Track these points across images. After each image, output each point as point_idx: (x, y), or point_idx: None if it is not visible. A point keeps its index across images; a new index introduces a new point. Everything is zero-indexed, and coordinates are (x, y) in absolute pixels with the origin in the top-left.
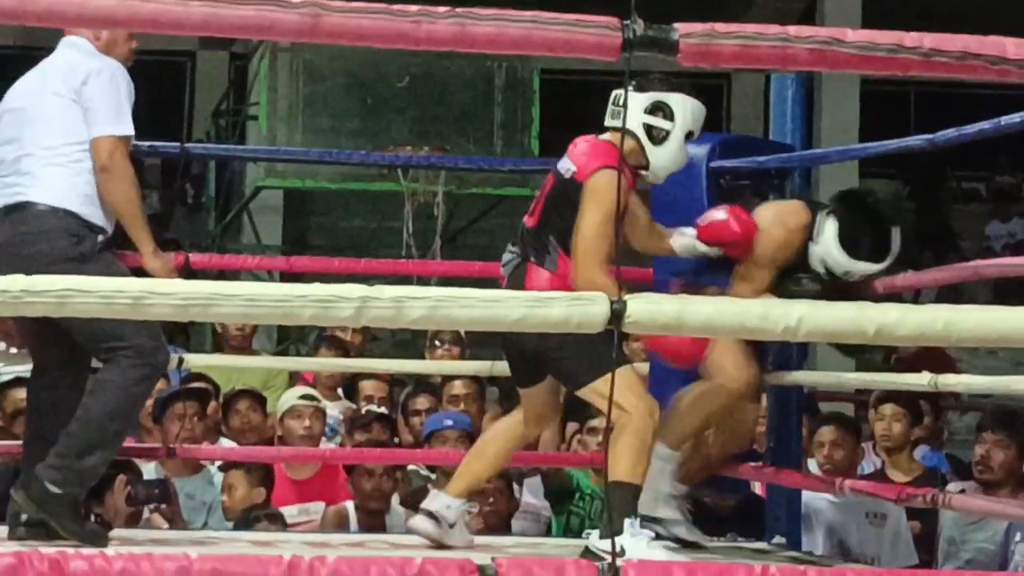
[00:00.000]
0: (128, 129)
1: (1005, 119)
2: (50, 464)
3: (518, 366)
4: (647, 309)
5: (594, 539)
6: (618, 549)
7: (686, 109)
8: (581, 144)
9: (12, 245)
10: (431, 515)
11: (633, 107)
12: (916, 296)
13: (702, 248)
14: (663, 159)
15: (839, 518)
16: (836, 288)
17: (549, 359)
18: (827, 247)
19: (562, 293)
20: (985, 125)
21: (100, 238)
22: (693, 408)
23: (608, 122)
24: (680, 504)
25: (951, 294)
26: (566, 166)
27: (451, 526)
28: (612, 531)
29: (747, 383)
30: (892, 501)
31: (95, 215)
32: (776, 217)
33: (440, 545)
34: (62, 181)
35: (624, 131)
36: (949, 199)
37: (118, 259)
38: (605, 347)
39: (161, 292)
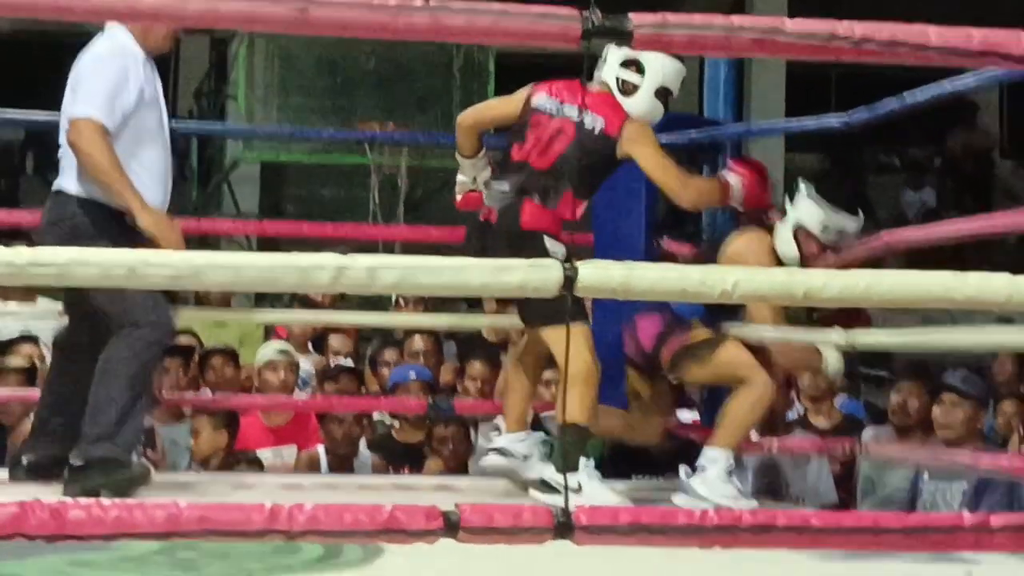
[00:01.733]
0: (105, 119)
1: (908, 95)
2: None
3: (519, 308)
4: (596, 275)
5: (549, 471)
6: (574, 485)
7: (659, 66)
8: (588, 99)
9: (42, 230)
10: (501, 451)
11: (611, 61)
12: None
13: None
14: (633, 110)
15: (767, 459)
16: None
17: (525, 299)
18: (805, 206)
19: (519, 261)
20: (893, 104)
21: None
22: (747, 411)
23: (596, 75)
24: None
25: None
26: (589, 120)
27: (525, 458)
28: (565, 468)
29: (772, 385)
30: (816, 454)
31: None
32: (749, 248)
33: (512, 478)
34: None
35: (602, 83)
36: (866, 171)
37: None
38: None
39: (156, 263)
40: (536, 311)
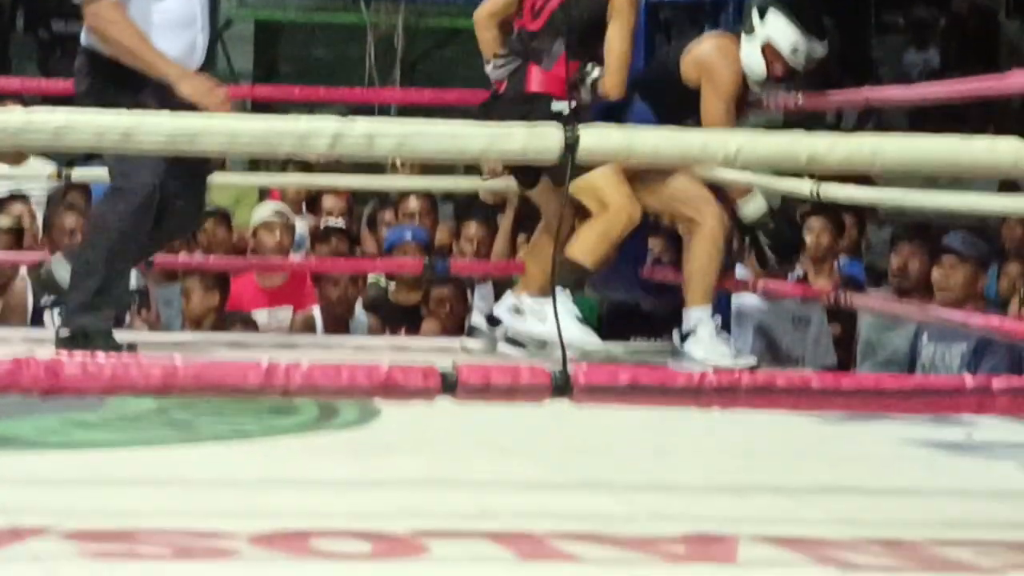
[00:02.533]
0: None
1: None
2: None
3: (518, 171)
4: (598, 140)
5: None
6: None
7: None
8: None
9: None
10: (514, 341)
11: None
12: (837, 124)
13: None
14: None
15: (768, 321)
16: None
17: None
18: (778, 25)
19: (520, 125)
20: None
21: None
22: (705, 261)
23: None
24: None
25: (870, 124)
26: None
27: (541, 320)
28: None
29: (723, 217)
30: (801, 299)
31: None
32: (720, 52)
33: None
34: None
35: None
36: (870, 31)
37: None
38: None
39: (150, 127)
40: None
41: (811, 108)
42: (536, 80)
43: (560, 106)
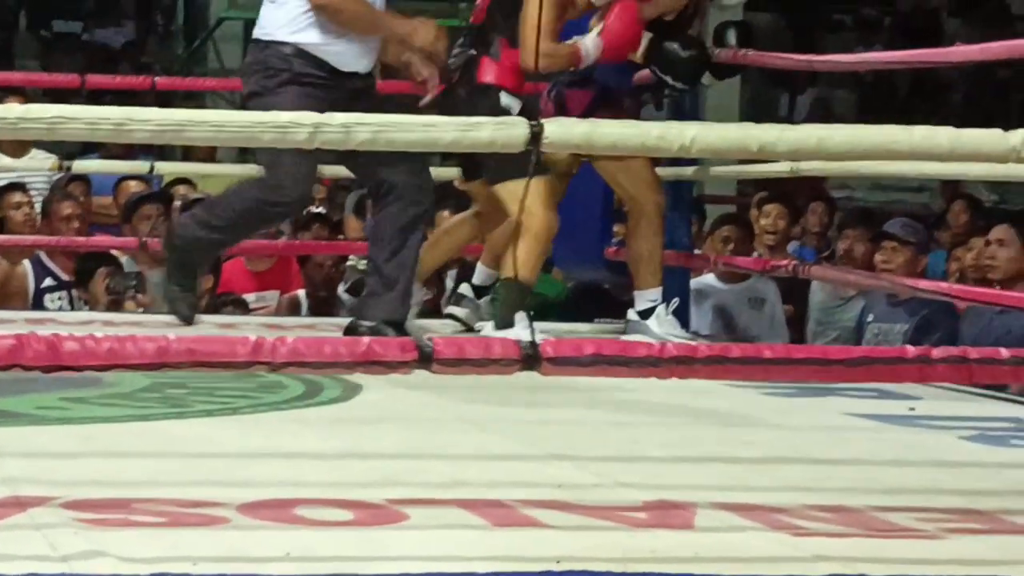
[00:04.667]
0: None
1: None
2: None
3: (467, 159)
4: (561, 132)
5: (488, 329)
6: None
7: None
8: None
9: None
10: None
11: None
12: (790, 114)
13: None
14: None
15: (725, 301)
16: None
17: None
18: None
19: (488, 119)
20: None
21: (294, 71)
22: (654, 243)
23: None
24: None
25: (821, 114)
26: None
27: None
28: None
29: (662, 205)
30: (759, 272)
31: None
32: None
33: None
34: (265, 17)
35: None
36: (819, 29)
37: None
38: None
39: (139, 119)
40: (499, 167)
41: (758, 64)
42: (488, 71)
43: (508, 100)
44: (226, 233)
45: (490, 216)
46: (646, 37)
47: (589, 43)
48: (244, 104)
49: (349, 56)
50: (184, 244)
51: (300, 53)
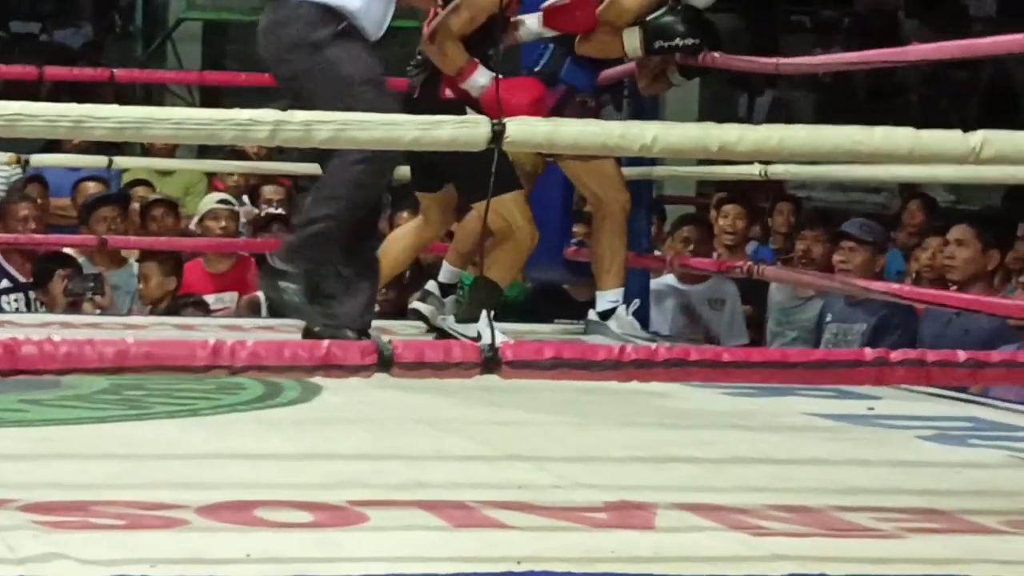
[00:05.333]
0: None
1: None
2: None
3: (425, 172)
4: (523, 130)
5: (450, 321)
6: (474, 334)
7: None
8: None
9: (265, 31)
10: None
11: None
12: (749, 115)
13: (546, 33)
14: None
15: (685, 302)
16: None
17: (458, 171)
18: None
19: (451, 117)
20: None
21: (342, 25)
22: (617, 243)
23: None
24: None
25: (780, 115)
26: None
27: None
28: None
29: (626, 205)
30: (716, 273)
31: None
32: None
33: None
34: None
35: None
36: (778, 30)
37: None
38: (502, 166)
39: (99, 116)
40: (477, 185)
41: (724, 68)
42: (449, 87)
43: (472, 114)
44: (339, 215)
45: (437, 228)
46: (637, 33)
47: (530, 19)
48: (286, 61)
49: (374, 28)
50: (311, 255)
51: (339, 16)
